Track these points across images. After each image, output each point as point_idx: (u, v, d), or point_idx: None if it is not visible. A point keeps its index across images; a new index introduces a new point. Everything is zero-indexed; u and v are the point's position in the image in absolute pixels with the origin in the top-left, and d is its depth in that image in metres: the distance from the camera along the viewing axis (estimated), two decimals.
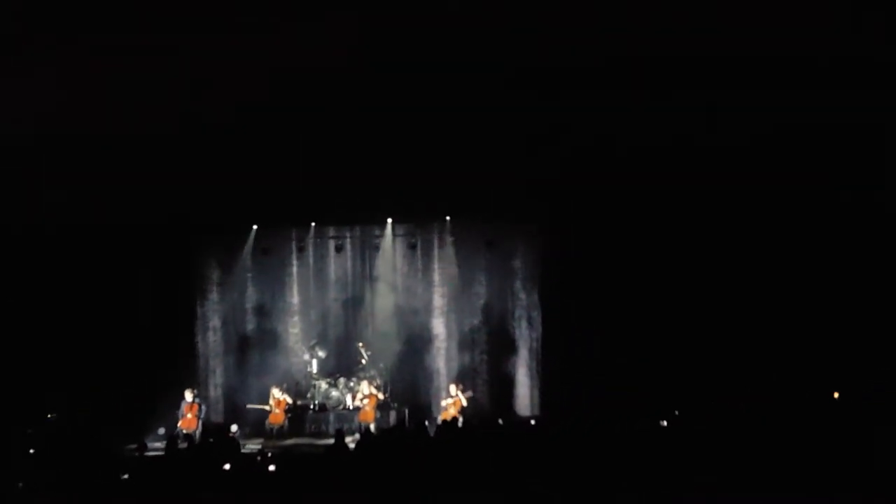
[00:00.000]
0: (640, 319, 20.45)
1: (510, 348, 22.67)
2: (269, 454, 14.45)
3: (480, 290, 22.85)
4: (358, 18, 12.78)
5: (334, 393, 22.20)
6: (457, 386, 20.73)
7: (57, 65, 13.72)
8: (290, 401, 21.37)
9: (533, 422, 18.77)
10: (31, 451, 14.43)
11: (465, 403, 20.29)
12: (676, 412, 16.54)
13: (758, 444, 11.33)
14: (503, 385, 22.52)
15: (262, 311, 23.30)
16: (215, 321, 23.33)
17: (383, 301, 23.01)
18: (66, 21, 13.06)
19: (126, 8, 12.85)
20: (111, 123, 15.88)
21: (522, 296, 22.71)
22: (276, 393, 21.05)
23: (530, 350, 22.59)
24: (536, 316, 22.48)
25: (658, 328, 20.29)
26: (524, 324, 22.70)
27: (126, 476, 11.64)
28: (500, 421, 17.12)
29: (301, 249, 23.45)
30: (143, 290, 21.49)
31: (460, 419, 18.59)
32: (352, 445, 14.22)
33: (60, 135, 15.93)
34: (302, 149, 18.40)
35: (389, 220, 23.08)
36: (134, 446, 15.33)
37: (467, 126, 16.61)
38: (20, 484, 11.35)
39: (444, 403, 20.54)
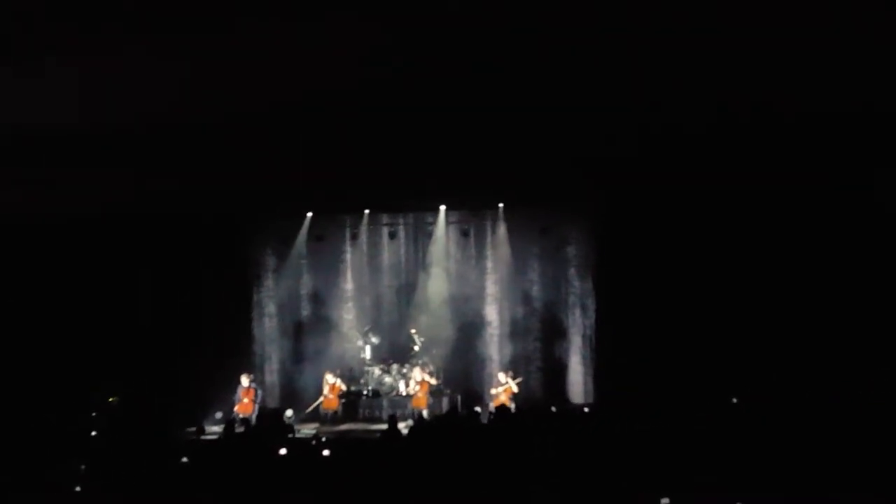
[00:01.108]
0: (695, 306, 20.24)
1: (563, 335, 22.63)
2: (324, 439, 14.61)
3: (534, 277, 22.83)
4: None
5: (387, 379, 22.34)
6: (506, 374, 20.84)
7: (103, 58, 13.87)
8: (343, 387, 21.56)
9: (586, 409, 18.74)
10: (93, 433, 14.75)
11: (515, 390, 20.39)
12: (734, 400, 16.41)
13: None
14: (556, 372, 22.50)
15: (316, 298, 23.49)
16: (271, 307, 23.59)
17: (436, 288, 23.04)
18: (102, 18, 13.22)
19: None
20: (167, 114, 16.03)
21: (576, 283, 22.64)
22: (329, 378, 21.27)
23: (584, 337, 22.51)
24: (590, 303, 22.39)
25: (714, 315, 20.07)
26: (578, 311, 22.63)
27: (185, 459, 11.86)
28: (553, 408, 17.11)
29: (355, 236, 23.61)
30: (200, 277, 21.75)
31: (513, 406, 18.64)
32: (405, 431, 14.35)
33: (118, 125, 16.13)
34: (355, 136, 18.46)
35: (443, 207, 23.13)
36: (192, 430, 15.59)
37: (520, 112, 16.53)
38: (82, 466, 11.61)
39: (493, 392, 20.64)
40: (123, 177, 18.36)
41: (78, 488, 10.81)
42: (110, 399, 19.76)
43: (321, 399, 21.23)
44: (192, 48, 13.92)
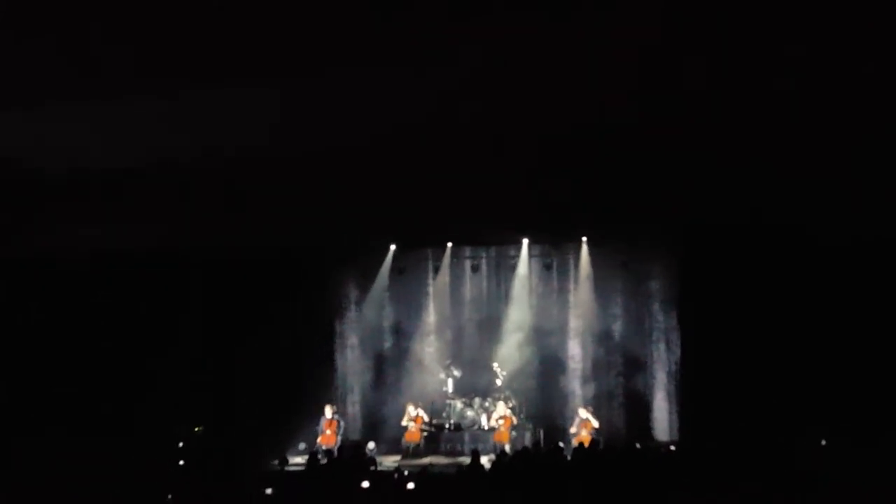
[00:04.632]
0: (781, 341, 19.75)
1: (647, 371, 22.29)
2: (406, 472, 14.58)
3: (617, 312, 22.59)
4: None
5: (469, 413, 22.26)
6: (586, 408, 20.63)
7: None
8: (426, 418, 21.54)
9: (672, 447, 18.41)
10: (180, 463, 14.97)
11: (595, 424, 20.16)
12: (823, 442, 15.95)
13: None
14: (640, 408, 22.15)
15: (398, 330, 23.56)
16: (353, 339, 23.72)
17: (518, 321, 22.93)
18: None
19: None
20: (250, 149, 16.28)
21: (660, 318, 22.31)
22: (411, 410, 21.26)
23: (668, 373, 22.14)
24: (675, 338, 22.02)
25: (801, 350, 19.58)
26: (662, 346, 22.29)
27: (269, 490, 11.95)
28: (638, 445, 16.84)
29: (437, 269, 23.66)
30: (283, 309, 21.95)
31: (601, 441, 18.35)
32: (487, 466, 14.27)
33: (202, 160, 16.40)
34: (438, 169, 18.55)
35: (525, 240, 23.08)
36: (276, 461, 15.73)
37: (604, 146, 16.46)
38: (169, 496, 11.78)
39: (573, 430, 20.42)
40: (210, 211, 18.68)
41: None
42: (196, 429, 20.03)
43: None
44: (282, 88, 14.19)
